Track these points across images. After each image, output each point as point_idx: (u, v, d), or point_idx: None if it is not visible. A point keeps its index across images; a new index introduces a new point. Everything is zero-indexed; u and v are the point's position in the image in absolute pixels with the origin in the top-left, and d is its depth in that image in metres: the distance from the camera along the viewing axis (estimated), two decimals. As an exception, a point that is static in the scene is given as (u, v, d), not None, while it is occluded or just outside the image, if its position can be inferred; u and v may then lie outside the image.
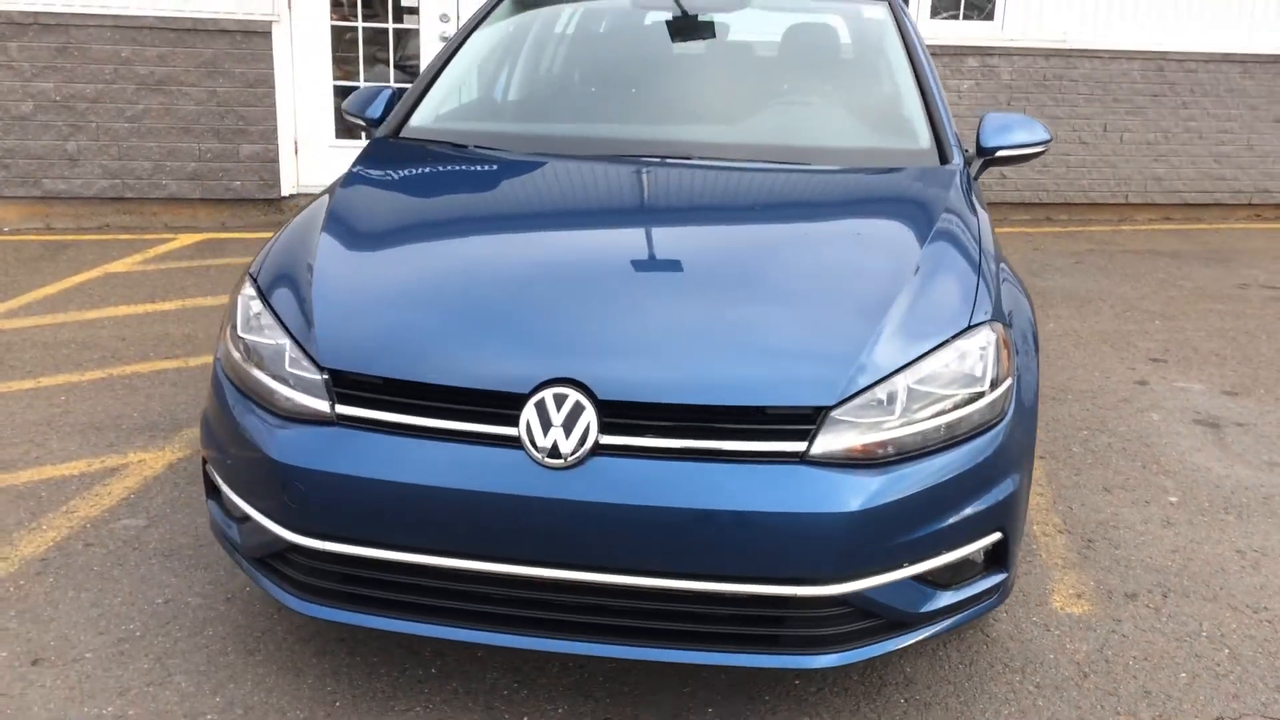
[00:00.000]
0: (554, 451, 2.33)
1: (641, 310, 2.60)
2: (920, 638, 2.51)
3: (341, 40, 7.72)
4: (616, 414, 2.36)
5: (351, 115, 3.94)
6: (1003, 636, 3.04)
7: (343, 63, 7.75)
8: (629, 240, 3.00)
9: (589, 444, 2.34)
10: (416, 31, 7.72)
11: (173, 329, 5.44)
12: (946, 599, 2.51)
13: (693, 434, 2.36)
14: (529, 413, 2.37)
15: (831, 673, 2.85)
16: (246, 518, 2.65)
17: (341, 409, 2.48)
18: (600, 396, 2.36)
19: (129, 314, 5.67)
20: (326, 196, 3.24)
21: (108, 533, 3.48)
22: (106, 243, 7.15)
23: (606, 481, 2.33)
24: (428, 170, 3.45)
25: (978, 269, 2.81)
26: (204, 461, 2.85)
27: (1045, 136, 3.64)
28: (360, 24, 7.73)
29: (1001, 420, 2.54)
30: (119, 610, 3.07)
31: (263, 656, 2.89)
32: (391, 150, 3.58)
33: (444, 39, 7.71)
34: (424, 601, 2.50)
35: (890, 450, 2.38)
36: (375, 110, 3.88)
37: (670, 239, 3.01)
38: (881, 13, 3.97)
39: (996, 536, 2.56)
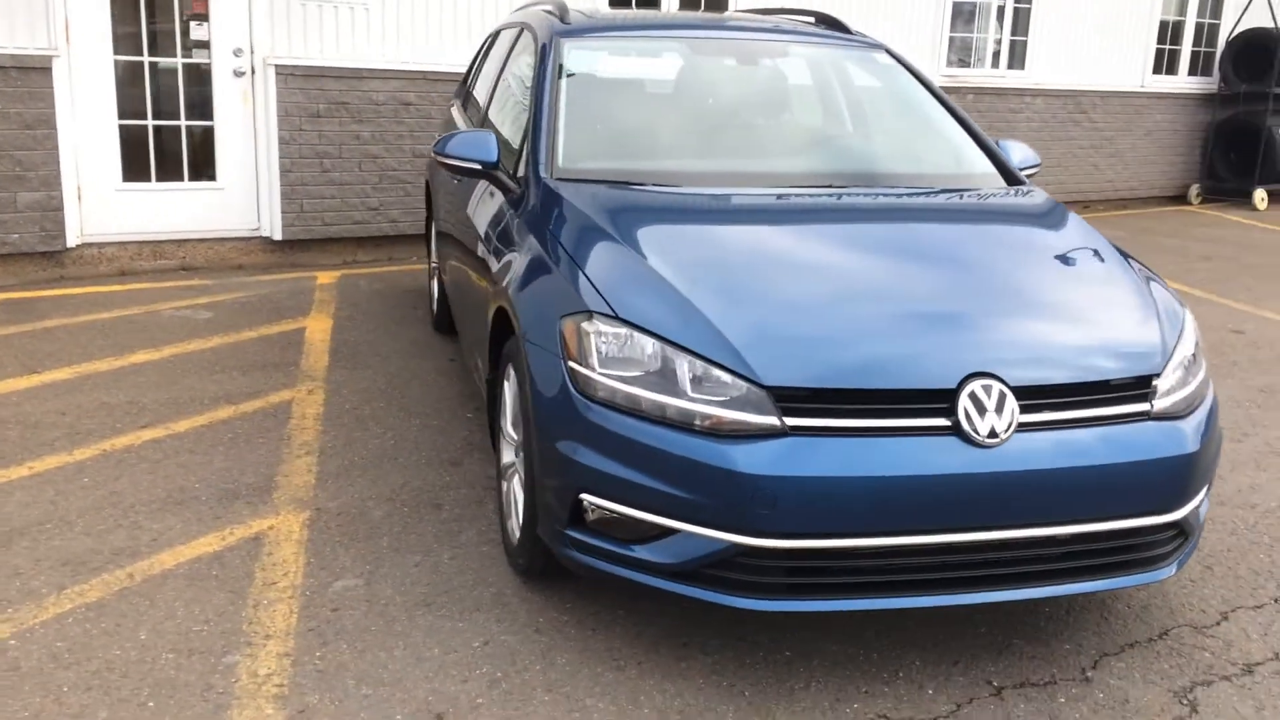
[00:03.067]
0: (992, 432, 2.82)
1: (989, 313, 3.12)
2: (1197, 541, 3.26)
3: (127, 77, 7.12)
4: (1026, 396, 2.89)
5: (453, 158, 3.99)
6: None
7: (127, 100, 7.15)
8: (913, 255, 3.42)
9: (1015, 424, 2.85)
10: (208, 66, 7.31)
11: (105, 398, 4.95)
12: (1203, 511, 3.28)
13: (1071, 406, 2.95)
14: (965, 402, 2.83)
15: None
16: (666, 534, 2.85)
17: (788, 420, 2.79)
18: (1012, 384, 2.88)
19: (28, 387, 5.06)
20: (572, 229, 3.40)
21: (337, 597, 3.36)
22: (-124, 314, 6.15)
23: (1030, 452, 2.85)
24: (656, 205, 3.66)
25: (1147, 272, 3.62)
26: (575, 495, 2.96)
27: (1039, 160, 4.54)
28: (146, 58, 7.17)
29: (1209, 380, 3.36)
30: (448, 660, 3.06)
31: (636, 671, 3.04)
32: (581, 188, 3.70)
33: (238, 73, 7.37)
34: (863, 580, 2.87)
35: (1185, 405, 3.11)
36: (489, 154, 3.98)
37: (935, 255, 3.45)
38: (887, 59, 4.67)
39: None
